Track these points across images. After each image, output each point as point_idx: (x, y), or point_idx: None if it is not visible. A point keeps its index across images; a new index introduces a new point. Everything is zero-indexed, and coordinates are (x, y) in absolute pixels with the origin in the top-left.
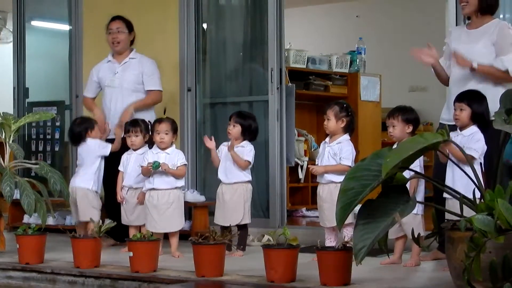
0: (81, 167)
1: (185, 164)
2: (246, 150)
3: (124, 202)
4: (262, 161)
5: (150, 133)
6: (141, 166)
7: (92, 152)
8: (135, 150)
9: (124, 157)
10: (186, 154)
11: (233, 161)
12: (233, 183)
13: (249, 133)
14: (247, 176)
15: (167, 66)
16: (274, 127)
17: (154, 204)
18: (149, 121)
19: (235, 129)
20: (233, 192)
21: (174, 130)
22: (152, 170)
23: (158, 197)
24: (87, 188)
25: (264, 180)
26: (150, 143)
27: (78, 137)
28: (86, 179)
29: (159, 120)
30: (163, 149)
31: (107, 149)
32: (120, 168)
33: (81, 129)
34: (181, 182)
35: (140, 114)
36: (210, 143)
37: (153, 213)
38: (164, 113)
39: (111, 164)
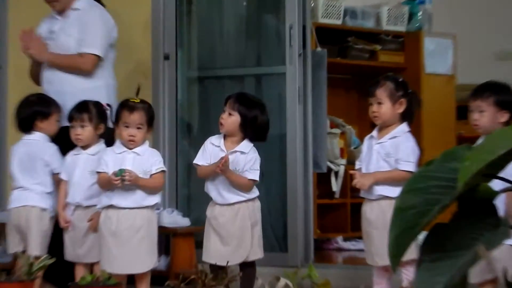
0: (27, 175)
1: (163, 171)
2: (248, 160)
3: (69, 228)
4: (276, 166)
5: (111, 123)
6: (98, 173)
7: (38, 153)
8: (83, 148)
9: (68, 159)
10: (161, 155)
11: (230, 182)
12: (232, 203)
13: (253, 130)
14: (253, 191)
15: (135, 24)
16: (294, 115)
17: (113, 231)
18: (107, 105)
19: (230, 120)
20: (234, 214)
21: (150, 121)
22: (119, 182)
23: (120, 220)
24: (42, 208)
25: (280, 195)
26: (108, 139)
27: (25, 125)
28: (38, 194)
29: (129, 107)
30: (131, 148)
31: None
32: (62, 175)
33: (28, 114)
34: (154, 198)
35: (90, 92)
36: (224, 165)
37: (112, 245)
38: (137, 94)
39: None
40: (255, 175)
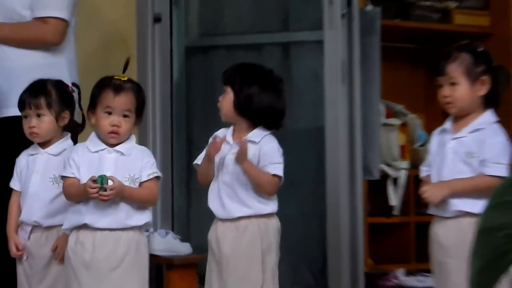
0: None
1: (157, 177)
2: (264, 153)
3: (23, 257)
4: (310, 172)
5: (80, 110)
6: (64, 178)
7: None
8: (42, 146)
9: (21, 162)
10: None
11: (247, 179)
12: (236, 218)
13: (252, 112)
14: (267, 204)
15: None
16: (335, 99)
17: (87, 262)
18: (73, 85)
19: (224, 100)
20: (239, 237)
21: (139, 108)
22: (96, 193)
23: (96, 246)
24: None
25: (316, 212)
26: (75, 132)
27: None
28: None
29: (114, 87)
30: (113, 145)
31: None
32: (13, 184)
33: None
34: (144, 216)
35: (48, 69)
36: (216, 148)
37: (85, 280)
38: (125, 70)
39: None
40: (278, 170)
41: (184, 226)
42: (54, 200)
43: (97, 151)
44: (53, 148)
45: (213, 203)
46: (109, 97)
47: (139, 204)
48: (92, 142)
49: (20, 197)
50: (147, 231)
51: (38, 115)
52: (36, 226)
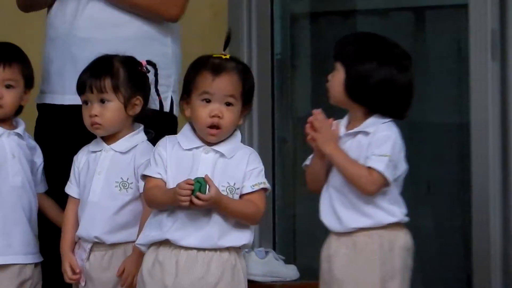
0: None
1: (264, 189)
2: (373, 141)
3: (82, 283)
4: (449, 179)
5: (158, 95)
6: (145, 178)
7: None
8: (107, 140)
9: (81, 160)
10: None
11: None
12: (353, 231)
13: (368, 95)
14: (391, 211)
15: None
16: (484, 82)
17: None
18: (148, 63)
19: (333, 80)
20: (354, 256)
21: (247, 95)
22: (187, 200)
23: (181, 268)
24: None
25: (457, 223)
26: (148, 123)
27: None
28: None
29: (212, 66)
30: (211, 143)
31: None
32: (70, 190)
33: None
34: (244, 235)
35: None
36: (322, 122)
37: None
38: (226, 47)
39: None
40: (380, 163)
41: (289, 243)
42: (121, 211)
43: (190, 149)
44: (121, 144)
45: (325, 214)
46: (206, 80)
47: (237, 220)
48: (185, 137)
49: (78, 206)
50: (245, 251)
51: (102, 101)
52: (97, 244)
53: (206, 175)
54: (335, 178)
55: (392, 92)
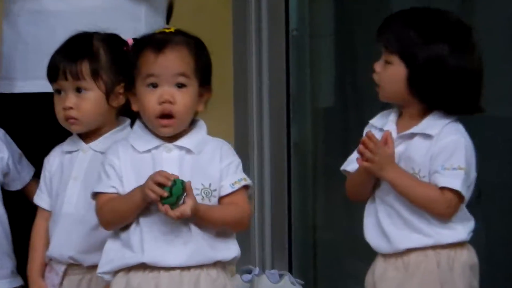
0: None
1: (245, 186)
2: (441, 150)
3: None
4: (503, 178)
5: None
6: (96, 196)
7: None
8: (84, 138)
9: (53, 162)
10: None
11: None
12: (405, 251)
13: (440, 90)
14: (452, 227)
15: None
16: None
17: None
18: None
19: (387, 74)
20: (406, 281)
21: (202, 72)
22: (164, 204)
23: None
24: None
25: None
26: (135, 117)
27: None
28: None
29: (154, 43)
30: (172, 138)
31: None
32: (39, 200)
33: None
34: (230, 247)
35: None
36: (373, 147)
37: None
38: (169, 19)
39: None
40: (456, 180)
41: (309, 264)
42: (93, 232)
43: (148, 151)
44: (102, 142)
45: (370, 232)
46: (149, 60)
47: (221, 228)
48: (138, 137)
49: (49, 219)
50: (249, 272)
51: (78, 90)
52: (72, 266)
53: (189, 181)
54: (383, 191)
55: (467, 82)
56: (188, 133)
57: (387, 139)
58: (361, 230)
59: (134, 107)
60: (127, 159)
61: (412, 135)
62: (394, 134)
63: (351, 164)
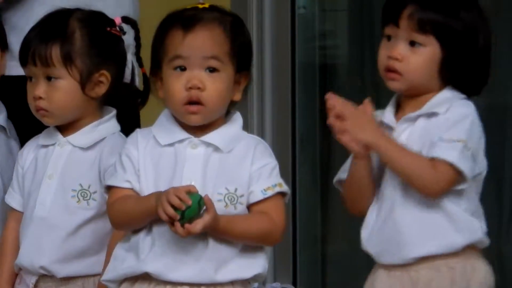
0: None
1: (282, 193)
2: (451, 119)
3: None
4: None
5: (140, 66)
6: (109, 189)
7: None
8: (63, 132)
9: (27, 157)
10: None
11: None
12: (413, 262)
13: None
14: (469, 229)
15: None
16: None
17: None
18: (124, 20)
19: (416, 59)
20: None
21: (240, 55)
22: (177, 221)
23: None
24: None
25: None
26: (125, 107)
27: None
28: None
29: (184, 20)
30: (198, 131)
31: None
32: (10, 199)
33: None
34: (255, 264)
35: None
36: (346, 105)
37: None
38: None
39: None
40: (453, 153)
41: (315, 277)
42: (78, 231)
43: (171, 144)
44: (82, 136)
45: (369, 239)
46: (176, 40)
47: (245, 243)
48: (162, 128)
49: (20, 222)
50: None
51: (48, 78)
52: (44, 277)
53: (207, 196)
54: (388, 189)
55: (489, 57)
56: (219, 127)
57: (366, 108)
58: None
59: (160, 94)
60: (147, 151)
61: (416, 117)
62: (392, 119)
63: (344, 173)
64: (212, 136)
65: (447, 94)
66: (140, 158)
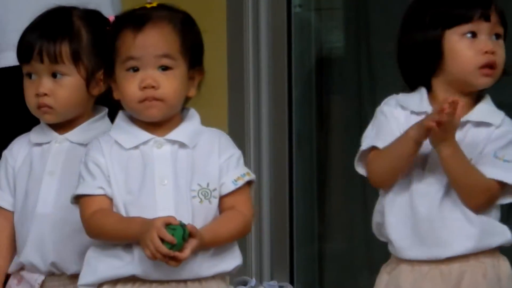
0: None
1: (249, 182)
2: (496, 138)
3: None
4: None
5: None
6: (78, 199)
7: None
8: (58, 129)
9: (17, 156)
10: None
11: (450, 178)
12: (445, 258)
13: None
14: (493, 231)
15: None
16: None
17: None
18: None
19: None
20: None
21: (191, 52)
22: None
23: None
24: None
25: None
26: (115, 107)
27: None
28: None
29: (134, 20)
30: (160, 129)
31: None
32: (2, 202)
33: None
34: (232, 256)
35: None
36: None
37: None
38: None
39: None
40: (508, 174)
41: (313, 275)
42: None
43: (136, 147)
44: (79, 133)
45: (397, 230)
46: (127, 41)
47: (224, 240)
48: (123, 132)
49: (11, 222)
50: (244, 284)
51: (54, 75)
52: (52, 276)
53: (190, 225)
54: (426, 178)
55: None
56: (179, 124)
57: (456, 109)
58: (377, 238)
59: (116, 95)
60: (113, 157)
61: (464, 123)
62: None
63: (380, 139)
64: (176, 134)
65: (486, 104)
66: (108, 164)
